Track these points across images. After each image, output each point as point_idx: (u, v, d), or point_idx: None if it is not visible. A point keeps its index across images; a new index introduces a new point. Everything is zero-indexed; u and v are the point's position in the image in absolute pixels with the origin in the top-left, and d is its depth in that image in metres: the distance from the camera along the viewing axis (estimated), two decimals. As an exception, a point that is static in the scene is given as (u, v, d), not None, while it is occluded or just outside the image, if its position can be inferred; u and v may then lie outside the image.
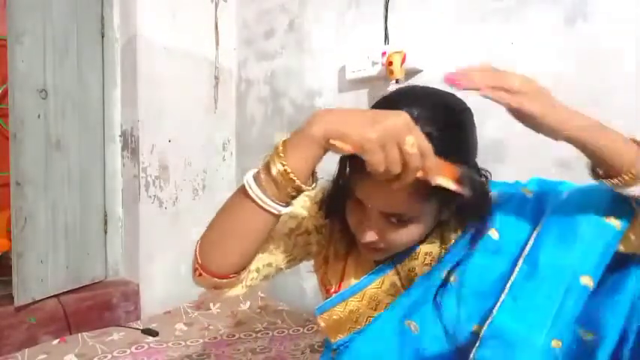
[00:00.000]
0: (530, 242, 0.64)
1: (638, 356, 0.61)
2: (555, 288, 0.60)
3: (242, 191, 0.57)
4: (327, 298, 0.77)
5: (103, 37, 1.95)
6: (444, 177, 0.54)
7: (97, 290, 1.86)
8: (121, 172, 2.02)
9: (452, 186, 0.55)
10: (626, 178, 0.56)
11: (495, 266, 0.65)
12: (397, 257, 0.73)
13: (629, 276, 0.63)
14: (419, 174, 0.53)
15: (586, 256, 0.61)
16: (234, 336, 1.68)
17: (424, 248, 0.73)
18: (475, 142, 0.65)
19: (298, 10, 1.94)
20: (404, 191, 0.58)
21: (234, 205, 0.59)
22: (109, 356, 1.52)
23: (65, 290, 1.77)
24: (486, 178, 0.69)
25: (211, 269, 0.62)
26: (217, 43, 2.15)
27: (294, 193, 0.55)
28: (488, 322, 0.61)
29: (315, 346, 1.55)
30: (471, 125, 0.65)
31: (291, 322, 1.78)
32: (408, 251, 0.72)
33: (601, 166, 0.59)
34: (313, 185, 0.57)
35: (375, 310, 0.73)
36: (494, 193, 0.70)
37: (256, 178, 0.55)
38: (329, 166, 0.75)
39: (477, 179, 0.65)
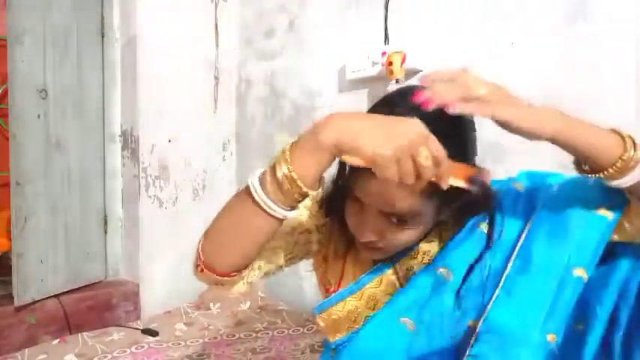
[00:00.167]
0: (523, 237, 0.65)
1: (631, 342, 0.61)
2: (549, 282, 0.61)
3: (246, 192, 0.55)
4: (326, 298, 0.77)
5: (103, 37, 1.95)
6: (456, 178, 0.54)
7: (97, 290, 1.86)
8: (121, 172, 2.02)
9: (464, 185, 0.55)
10: (611, 171, 0.56)
11: (489, 260, 0.66)
12: (395, 256, 0.73)
13: (618, 266, 0.64)
14: (431, 178, 0.52)
15: (579, 249, 0.61)
16: (234, 336, 1.68)
17: (423, 247, 0.73)
18: (474, 141, 0.65)
19: (298, 10, 1.94)
20: (405, 190, 0.58)
21: (238, 205, 0.58)
22: (109, 356, 1.52)
23: (65, 290, 1.77)
24: None
25: (213, 267, 0.62)
26: (217, 43, 2.15)
27: (299, 199, 0.54)
28: (483, 317, 0.62)
29: (315, 346, 1.55)
30: (470, 124, 0.65)
31: (291, 322, 1.78)
32: (407, 250, 0.72)
33: (585, 161, 0.59)
34: (319, 190, 0.56)
35: (374, 309, 0.74)
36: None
37: (261, 180, 0.54)
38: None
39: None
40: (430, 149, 0.49)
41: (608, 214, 0.61)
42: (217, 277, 0.62)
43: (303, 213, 0.76)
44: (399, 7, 1.58)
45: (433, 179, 0.52)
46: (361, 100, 1.69)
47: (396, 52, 1.47)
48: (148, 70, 1.91)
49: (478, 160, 0.66)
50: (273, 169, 0.53)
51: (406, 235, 0.66)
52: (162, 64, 1.95)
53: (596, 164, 0.57)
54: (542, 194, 0.67)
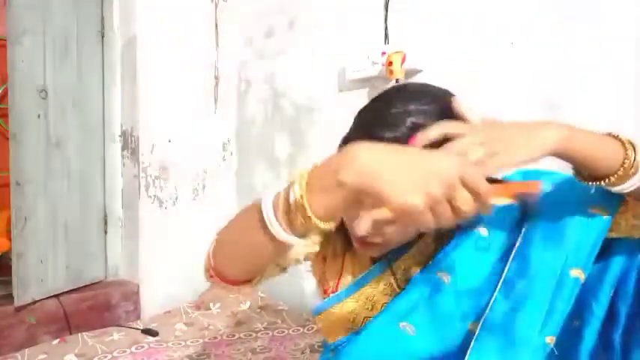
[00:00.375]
0: (519, 239, 0.64)
1: (629, 338, 0.61)
2: (547, 284, 0.61)
3: (258, 212, 0.51)
4: (324, 299, 0.77)
5: (103, 37, 1.95)
6: (500, 197, 0.50)
7: (97, 290, 1.86)
8: (121, 172, 2.02)
9: (510, 202, 0.51)
10: (612, 179, 0.56)
11: (487, 263, 0.66)
12: (392, 256, 0.73)
13: (613, 262, 0.64)
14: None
15: (575, 250, 0.61)
16: (234, 336, 1.68)
17: (420, 246, 0.73)
18: None
19: (298, 10, 1.94)
20: None
21: (249, 223, 0.54)
22: (109, 356, 1.52)
23: (65, 290, 1.77)
24: None
25: (224, 276, 0.62)
26: (217, 43, 2.15)
27: (310, 229, 0.50)
28: (482, 320, 0.62)
29: (315, 346, 1.55)
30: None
31: (291, 322, 1.78)
32: (403, 250, 0.72)
33: (585, 170, 0.58)
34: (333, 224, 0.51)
35: (372, 310, 0.73)
36: None
37: (275, 205, 0.50)
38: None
39: None
40: (469, 185, 0.44)
41: (603, 213, 0.61)
42: (227, 284, 0.62)
43: None
44: (399, 7, 1.58)
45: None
46: (361, 100, 1.68)
47: (396, 52, 1.47)
48: (148, 70, 1.91)
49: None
50: (286, 198, 0.49)
51: (402, 230, 0.65)
52: (162, 64, 1.95)
53: (596, 174, 0.57)
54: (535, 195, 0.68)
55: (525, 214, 0.66)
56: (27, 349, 1.56)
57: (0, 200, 2.12)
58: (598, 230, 0.61)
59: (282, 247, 0.53)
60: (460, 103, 0.59)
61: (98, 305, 1.82)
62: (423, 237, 0.73)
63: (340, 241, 0.79)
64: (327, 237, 0.80)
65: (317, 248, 0.76)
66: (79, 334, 1.69)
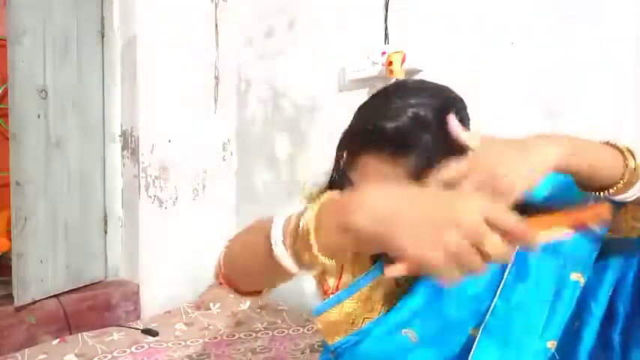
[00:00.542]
0: None
1: (628, 338, 0.61)
2: (547, 288, 0.61)
3: (266, 238, 0.50)
4: (324, 299, 0.77)
5: (103, 37, 1.95)
6: (552, 229, 0.45)
7: (97, 290, 1.86)
8: (121, 172, 2.02)
9: (567, 233, 0.48)
10: (612, 191, 0.56)
11: (487, 268, 0.66)
12: (393, 257, 0.73)
13: (612, 262, 0.64)
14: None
15: (574, 254, 0.61)
16: (234, 336, 1.68)
17: None
18: (468, 130, 0.65)
19: (298, 10, 1.94)
20: (402, 175, 0.59)
21: (258, 249, 0.53)
22: (109, 356, 1.52)
23: (65, 290, 1.77)
24: None
25: (235, 286, 0.62)
26: (217, 43, 2.14)
27: (312, 262, 0.49)
28: (483, 325, 0.61)
29: (315, 346, 1.55)
30: (465, 113, 0.65)
31: (291, 322, 1.78)
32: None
33: (586, 182, 0.58)
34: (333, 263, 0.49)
35: (372, 311, 0.73)
36: None
37: (284, 234, 0.49)
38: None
39: None
40: (500, 227, 0.39)
41: None
42: (237, 293, 0.63)
43: None
44: (399, 7, 1.58)
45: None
46: (361, 100, 1.69)
47: (396, 52, 1.47)
48: (148, 70, 1.91)
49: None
50: (297, 223, 0.47)
51: None
52: (162, 64, 1.95)
53: (597, 185, 0.56)
54: (535, 198, 0.68)
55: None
56: (27, 349, 1.56)
57: (0, 200, 2.12)
58: (596, 234, 0.61)
59: (290, 275, 0.52)
60: (456, 127, 0.58)
61: (98, 305, 1.82)
62: None
63: None
64: None
65: None
66: (79, 334, 1.69)
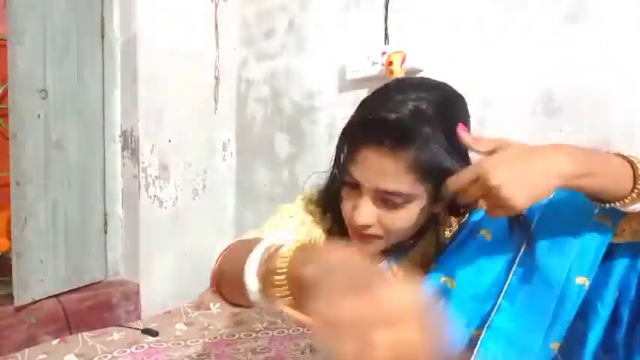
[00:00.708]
0: (525, 244, 0.64)
1: (631, 340, 0.61)
2: (551, 290, 0.61)
3: (250, 247, 0.51)
4: None
5: (103, 37, 1.94)
6: None
7: (97, 290, 1.85)
8: (121, 172, 2.02)
9: None
10: (619, 203, 0.56)
11: (491, 269, 0.65)
12: (393, 258, 0.73)
13: (617, 264, 0.64)
14: None
15: (580, 257, 0.61)
16: (234, 336, 1.68)
17: (420, 249, 0.73)
18: (469, 127, 0.66)
19: (298, 10, 1.94)
20: (401, 169, 0.59)
21: (238, 277, 0.51)
22: (109, 356, 1.52)
23: (65, 290, 1.77)
24: None
25: (225, 298, 0.63)
26: (217, 43, 2.14)
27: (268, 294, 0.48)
28: (486, 326, 0.61)
29: (315, 346, 1.55)
30: (465, 108, 0.66)
31: (291, 322, 1.78)
32: (404, 251, 0.72)
33: (596, 195, 0.58)
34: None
35: None
36: None
37: (265, 253, 0.49)
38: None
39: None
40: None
41: (608, 222, 0.61)
42: (227, 302, 0.63)
43: (308, 219, 0.75)
44: (399, 7, 1.58)
45: None
46: (361, 100, 1.69)
47: (396, 52, 1.47)
48: (148, 70, 1.91)
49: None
50: (265, 271, 0.47)
51: (401, 221, 0.65)
52: (162, 64, 1.95)
53: (606, 198, 0.57)
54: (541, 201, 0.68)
55: (529, 220, 0.65)
56: (27, 349, 1.56)
57: (0, 200, 2.12)
58: (602, 239, 0.61)
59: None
60: (465, 136, 0.59)
61: (98, 305, 1.82)
62: (424, 235, 0.73)
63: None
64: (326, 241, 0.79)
65: None
66: (79, 334, 1.69)
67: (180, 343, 1.62)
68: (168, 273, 2.00)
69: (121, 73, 1.99)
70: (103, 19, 1.94)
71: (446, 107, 0.62)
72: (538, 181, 0.52)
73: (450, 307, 0.65)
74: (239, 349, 1.55)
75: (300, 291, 0.41)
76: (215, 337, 1.68)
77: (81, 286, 1.84)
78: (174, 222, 2.02)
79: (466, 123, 0.65)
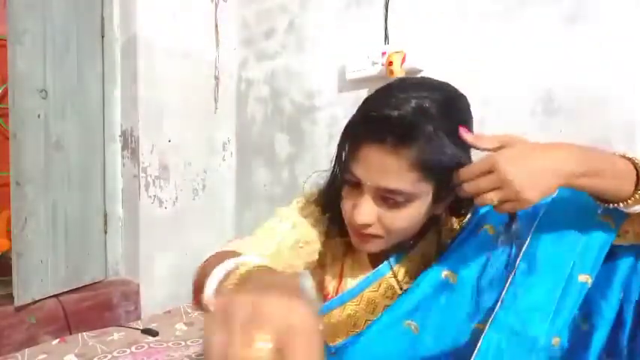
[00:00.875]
0: (528, 240, 0.64)
1: (634, 341, 0.61)
2: (554, 285, 0.61)
3: (216, 262, 0.51)
4: (324, 302, 0.77)
5: (103, 37, 1.94)
6: None
7: (97, 290, 1.85)
8: (121, 172, 2.02)
9: None
10: (623, 204, 0.56)
11: (494, 263, 0.65)
12: (394, 258, 0.73)
13: (620, 264, 0.64)
14: None
15: (582, 256, 0.61)
16: (234, 336, 1.68)
17: (421, 248, 0.73)
18: (471, 127, 0.65)
19: (298, 10, 1.94)
20: (403, 167, 0.59)
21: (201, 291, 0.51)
22: (109, 356, 1.52)
23: (65, 290, 1.77)
24: None
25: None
26: (217, 43, 2.14)
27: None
28: (490, 320, 0.61)
29: (315, 346, 1.55)
30: (467, 108, 0.65)
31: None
32: (405, 252, 0.72)
33: (600, 195, 0.58)
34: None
35: (373, 313, 0.73)
36: None
37: (231, 268, 0.49)
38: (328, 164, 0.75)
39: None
40: None
41: (611, 223, 0.61)
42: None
43: (303, 222, 0.75)
44: (399, 7, 1.58)
45: None
46: (361, 100, 1.69)
47: (396, 52, 1.47)
48: (148, 70, 1.91)
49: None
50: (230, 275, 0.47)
51: (402, 220, 0.65)
52: (162, 64, 1.95)
53: (609, 198, 0.57)
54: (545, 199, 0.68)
55: (533, 216, 0.66)
56: (27, 349, 1.56)
57: (0, 200, 2.12)
58: (605, 239, 0.61)
59: None
60: (467, 136, 0.60)
61: (98, 305, 1.82)
62: (425, 236, 0.73)
63: (340, 245, 0.78)
64: (326, 243, 0.79)
65: (316, 257, 0.76)
66: (79, 334, 1.69)
67: (180, 343, 1.62)
68: (168, 273, 2.00)
69: (121, 73, 1.99)
70: (103, 19, 1.94)
71: (449, 106, 0.61)
72: (542, 178, 0.53)
73: (452, 301, 0.65)
74: (239, 349, 1.55)
75: None
76: (215, 337, 1.68)
77: (81, 286, 1.84)
78: (174, 222, 2.02)
79: (469, 123, 0.65)
